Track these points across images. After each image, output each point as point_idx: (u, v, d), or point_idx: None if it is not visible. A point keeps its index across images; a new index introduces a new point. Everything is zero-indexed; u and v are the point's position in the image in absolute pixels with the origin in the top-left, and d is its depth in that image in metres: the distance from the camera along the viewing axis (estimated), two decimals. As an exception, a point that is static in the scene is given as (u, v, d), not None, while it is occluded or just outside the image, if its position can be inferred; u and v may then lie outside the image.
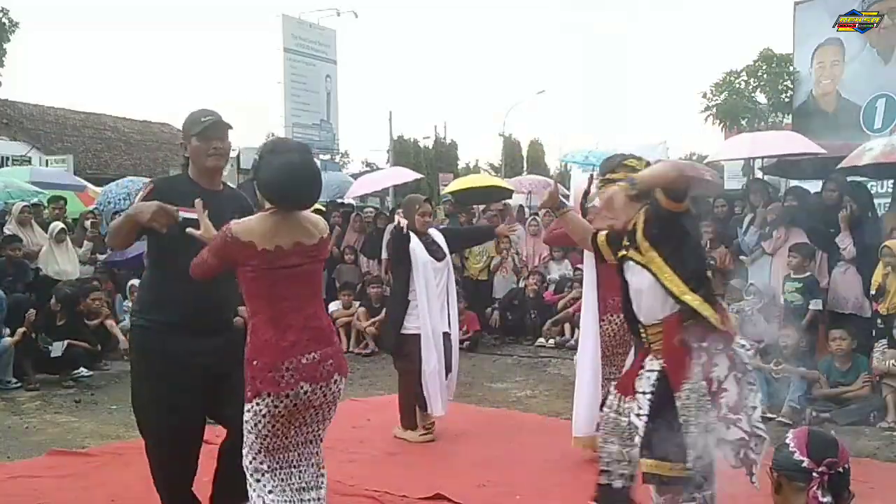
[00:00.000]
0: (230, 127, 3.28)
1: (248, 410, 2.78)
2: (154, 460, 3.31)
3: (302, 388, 2.75)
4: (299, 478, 2.84)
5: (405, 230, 5.20)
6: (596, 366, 4.53)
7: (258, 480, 2.80)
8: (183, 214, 3.10)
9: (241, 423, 2.83)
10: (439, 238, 5.52)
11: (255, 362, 2.77)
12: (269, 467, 2.80)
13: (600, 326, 4.54)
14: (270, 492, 2.78)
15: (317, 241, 2.87)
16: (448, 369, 5.29)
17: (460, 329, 9.03)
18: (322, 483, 2.91)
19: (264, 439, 2.79)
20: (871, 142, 7.70)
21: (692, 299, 2.82)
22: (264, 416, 2.75)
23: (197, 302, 3.08)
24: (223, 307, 3.30)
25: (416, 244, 5.21)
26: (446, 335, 5.33)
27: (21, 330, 7.20)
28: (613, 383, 4.56)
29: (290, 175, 2.76)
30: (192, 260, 2.89)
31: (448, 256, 5.47)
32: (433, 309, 5.21)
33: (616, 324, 4.47)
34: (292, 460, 2.85)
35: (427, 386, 5.11)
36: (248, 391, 2.78)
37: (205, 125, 3.20)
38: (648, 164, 3.29)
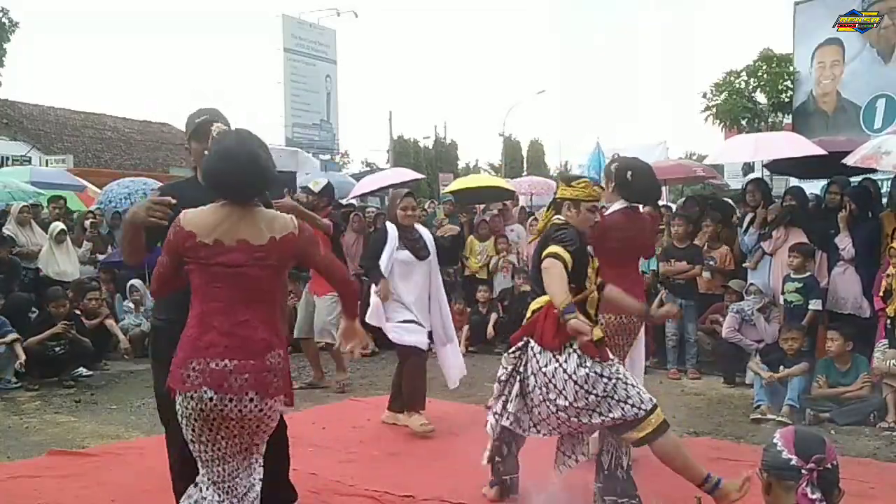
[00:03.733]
0: (225, 124, 3.22)
1: None
2: (175, 458, 3.26)
3: (206, 393, 2.56)
4: (243, 485, 2.75)
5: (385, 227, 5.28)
6: None
7: (207, 488, 2.72)
8: None
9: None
10: (427, 235, 5.55)
11: (173, 356, 2.67)
12: (210, 479, 2.71)
13: None
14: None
15: (265, 242, 2.64)
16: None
17: (458, 329, 9.11)
18: (255, 477, 2.78)
19: (193, 445, 2.69)
20: (879, 140, 7.52)
21: None
22: (180, 414, 2.65)
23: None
24: None
25: (393, 239, 5.26)
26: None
27: (33, 339, 7.20)
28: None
29: (219, 161, 2.66)
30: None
31: (433, 255, 5.48)
32: (410, 306, 5.31)
33: (613, 324, 4.46)
34: (232, 471, 2.72)
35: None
36: None
37: (197, 126, 3.15)
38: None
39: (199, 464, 2.73)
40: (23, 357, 6.97)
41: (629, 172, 4.42)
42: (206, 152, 2.94)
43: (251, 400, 2.61)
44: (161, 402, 3.28)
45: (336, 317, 6.37)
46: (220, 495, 2.69)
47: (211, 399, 2.57)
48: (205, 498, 2.71)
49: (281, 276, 2.77)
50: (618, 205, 4.45)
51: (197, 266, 2.63)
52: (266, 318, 2.68)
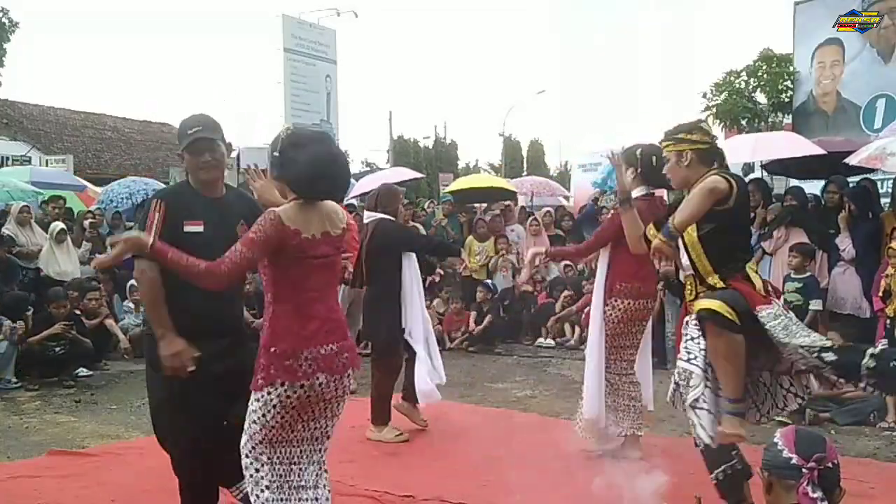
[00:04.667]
0: (219, 136, 3.20)
1: (258, 399, 2.72)
2: (175, 462, 3.29)
3: (318, 379, 2.72)
4: (299, 475, 2.80)
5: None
6: (601, 356, 4.57)
7: (257, 471, 2.76)
8: (187, 228, 3.09)
9: None
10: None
11: (272, 349, 2.71)
12: (268, 459, 2.76)
13: (604, 311, 4.56)
14: (266, 487, 2.73)
15: (341, 232, 2.86)
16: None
17: (457, 329, 9.12)
18: (321, 483, 2.87)
19: (270, 430, 2.74)
20: (883, 141, 7.50)
21: (715, 281, 3.35)
22: (275, 406, 2.70)
23: (206, 307, 3.01)
24: (232, 309, 3.29)
25: None
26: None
27: (33, 339, 7.25)
28: (628, 377, 4.62)
29: (322, 168, 2.74)
30: (205, 273, 2.65)
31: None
32: (417, 303, 5.26)
33: (620, 309, 4.53)
34: (293, 457, 2.81)
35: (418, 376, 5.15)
36: (260, 379, 2.71)
37: (190, 140, 3.14)
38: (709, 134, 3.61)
39: (265, 444, 2.75)
40: (21, 328, 7.07)
41: (654, 158, 4.35)
42: (274, 153, 2.88)
43: (348, 376, 2.84)
44: (157, 412, 3.28)
45: None
46: (272, 476, 2.77)
47: (321, 384, 2.74)
48: (259, 473, 2.78)
49: None
50: (638, 191, 4.40)
51: (293, 260, 2.74)
52: (338, 299, 2.97)
